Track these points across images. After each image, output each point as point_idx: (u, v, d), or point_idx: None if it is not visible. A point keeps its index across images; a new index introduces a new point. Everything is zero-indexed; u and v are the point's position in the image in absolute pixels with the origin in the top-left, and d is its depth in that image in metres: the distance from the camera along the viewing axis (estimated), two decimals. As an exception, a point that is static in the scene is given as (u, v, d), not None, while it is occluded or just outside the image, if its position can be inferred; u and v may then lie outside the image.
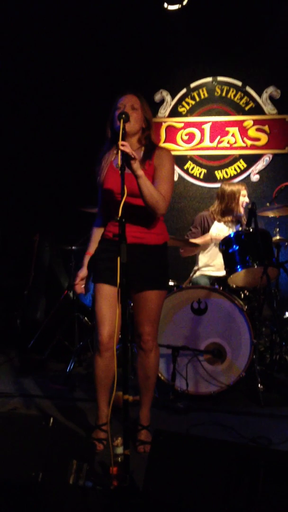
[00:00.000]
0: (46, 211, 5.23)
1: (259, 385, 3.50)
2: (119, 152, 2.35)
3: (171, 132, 5.33)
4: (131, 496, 1.94)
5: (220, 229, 4.09)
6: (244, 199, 4.13)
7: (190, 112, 5.31)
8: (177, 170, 5.31)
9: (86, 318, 4.42)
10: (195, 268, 4.15)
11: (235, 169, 5.21)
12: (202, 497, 1.78)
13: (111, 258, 2.58)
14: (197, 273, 4.11)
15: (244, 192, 4.14)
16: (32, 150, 5.39)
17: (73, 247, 4.45)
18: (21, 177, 5.41)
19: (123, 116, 2.48)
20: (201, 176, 5.29)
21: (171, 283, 3.88)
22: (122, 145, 2.35)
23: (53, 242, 5.17)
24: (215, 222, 4.13)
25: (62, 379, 3.88)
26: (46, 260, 5.21)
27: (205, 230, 4.14)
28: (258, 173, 5.17)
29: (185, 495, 1.81)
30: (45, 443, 1.88)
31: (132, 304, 2.88)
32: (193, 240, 4.05)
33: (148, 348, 2.76)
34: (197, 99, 5.30)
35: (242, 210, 4.14)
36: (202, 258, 4.16)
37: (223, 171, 5.24)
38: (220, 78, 5.25)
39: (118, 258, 2.22)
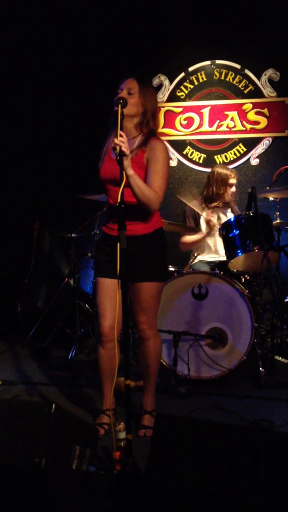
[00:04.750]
0: (46, 199, 5.21)
1: (260, 368, 3.51)
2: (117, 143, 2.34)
3: (170, 117, 5.28)
4: (133, 480, 1.96)
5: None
6: (232, 188, 4.10)
7: (188, 97, 5.26)
8: (176, 155, 5.28)
9: (87, 305, 4.43)
10: (195, 254, 4.14)
11: (234, 153, 5.18)
12: (204, 480, 1.79)
13: (110, 252, 2.58)
14: (197, 259, 4.10)
15: (233, 181, 4.10)
16: (31, 137, 5.36)
17: (72, 235, 4.44)
18: (20, 165, 5.39)
19: (120, 101, 2.44)
20: (201, 161, 5.25)
21: (171, 269, 3.88)
22: (120, 136, 2.34)
23: (53, 229, 5.17)
24: (203, 215, 4.08)
25: (64, 366, 3.90)
26: (46, 247, 5.21)
27: (197, 220, 4.11)
28: (257, 156, 5.14)
29: (187, 478, 1.82)
30: (48, 429, 1.89)
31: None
32: (189, 238, 4.03)
33: (144, 336, 2.77)
34: (196, 83, 5.25)
35: (228, 198, 4.10)
36: (202, 244, 4.15)
37: (223, 155, 5.20)
38: (218, 61, 5.19)
39: (118, 244, 2.22)
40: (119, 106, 2.43)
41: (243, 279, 3.90)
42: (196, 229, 4.00)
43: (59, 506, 1.94)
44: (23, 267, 5.06)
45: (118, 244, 2.21)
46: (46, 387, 3.51)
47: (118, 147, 2.31)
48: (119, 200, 2.24)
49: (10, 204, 5.31)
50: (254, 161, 5.14)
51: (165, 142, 2.80)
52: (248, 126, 5.13)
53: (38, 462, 1.81)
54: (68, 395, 3.34)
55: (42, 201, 5.21)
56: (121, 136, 2.33)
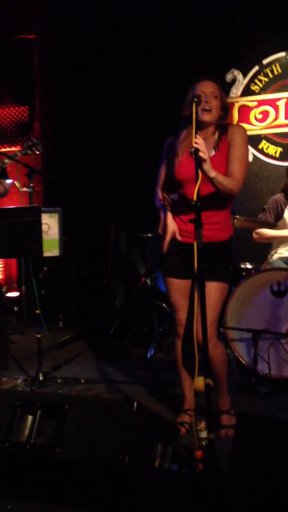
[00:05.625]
0: (122, 199, 5.28)
1: None
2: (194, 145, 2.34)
3: (244, 112, 5.19)
4: (217, 479, 1.95)
5: None
6: None
7: (263, 90, 5.15)
8: (252, 150, 5.17)
9: (164, 304, 4.45)
10: (272, 250, 4.04)
11: (312, 146, 5.02)
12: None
13: (181, 255, 2.59)
14: (275, 256, 4.00)
15: None
16: (106, 138, 5.46)
17: (148, 234, 4.48)
18: (96, 166, 5.50)
19: (195, 100, 2.44)
20: (277, 155, 5.12)
21: (249, 266, 3.82)
22: (197, 139, 2.34)
23: (129, 229, 5.23)
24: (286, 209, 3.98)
25: (144, 365, 3.94)
26: (123, 248, 5.28)
27: (279, 215, 4.00)
28: None
29: (270, 479, 1.78)
30: (130, 427, 1.92)
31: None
32: (272, 233, 3.93)
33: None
34: (270, 75, 5.12)
35: None
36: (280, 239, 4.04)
37: (299, 148, 5.06)
38: (293, 52, 5.05)
39: (195, 243, 2.22)
40: (194, 104, 2.43)
41: None
42: (273, 224, 3.89)
43: (143, 503, 1.96)
44: (101, 267, 5.17)
45: (195, 243, 2.22)
46: (127, 386, 3.56)
47: (195, 149, 2.33)
48: (195, 198, 2.25)
49: (87, 205, 5.44)
50: None
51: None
52: None
53: (122, 459, 1.84)
54: (149, 394, 3.37)
55: (119, 202, 5.29)
56: (199, 138, 2.34)
